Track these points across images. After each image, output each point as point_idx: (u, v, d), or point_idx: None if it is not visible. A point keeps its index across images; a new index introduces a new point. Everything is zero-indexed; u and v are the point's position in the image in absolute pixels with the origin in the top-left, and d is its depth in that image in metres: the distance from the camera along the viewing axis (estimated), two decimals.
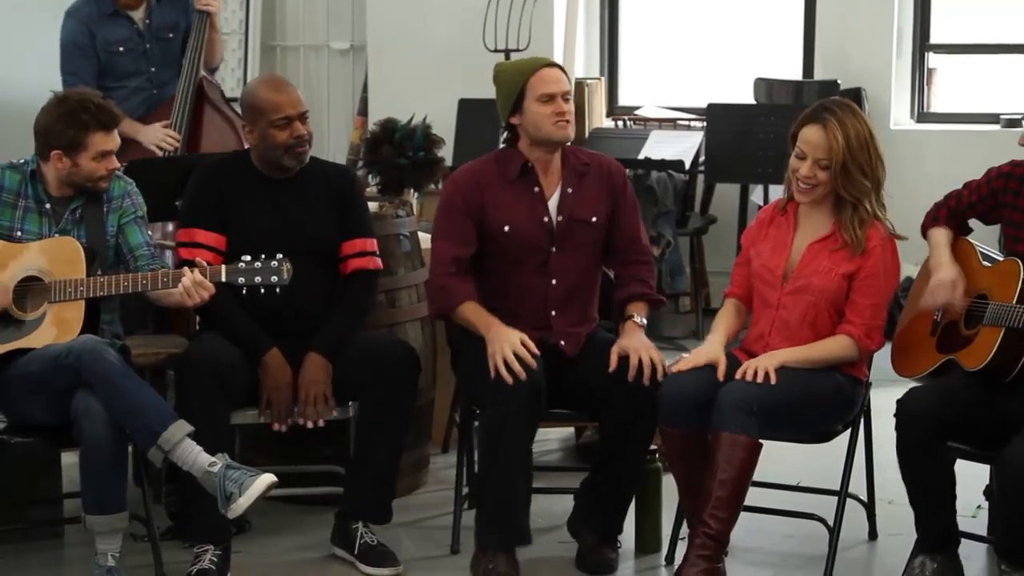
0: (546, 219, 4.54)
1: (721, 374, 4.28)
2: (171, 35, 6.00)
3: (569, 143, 4.58)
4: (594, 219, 4.57)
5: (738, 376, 4.22)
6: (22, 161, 4.53)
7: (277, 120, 4.59)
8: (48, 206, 4.48)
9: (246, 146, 4.81)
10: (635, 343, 4.42)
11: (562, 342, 4.54)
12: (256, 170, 4.70)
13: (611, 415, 4.43)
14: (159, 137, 5.77)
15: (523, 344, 4.32)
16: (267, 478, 4.15)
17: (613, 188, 4.60)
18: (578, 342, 4.57)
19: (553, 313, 4.56)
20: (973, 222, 4.44)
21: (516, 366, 4.27)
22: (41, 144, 4.47)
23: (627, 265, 4.63)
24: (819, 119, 4.27)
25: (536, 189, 4.56)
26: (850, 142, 4.24)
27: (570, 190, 4.56)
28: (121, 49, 5.91)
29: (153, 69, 5.96)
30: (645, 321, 4.53)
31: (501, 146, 4.67)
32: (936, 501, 4.16)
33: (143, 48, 5.94)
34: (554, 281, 4.56)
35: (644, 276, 4.62)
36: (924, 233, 4.43)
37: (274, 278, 4.30)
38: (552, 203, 4.56)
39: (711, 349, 4.37)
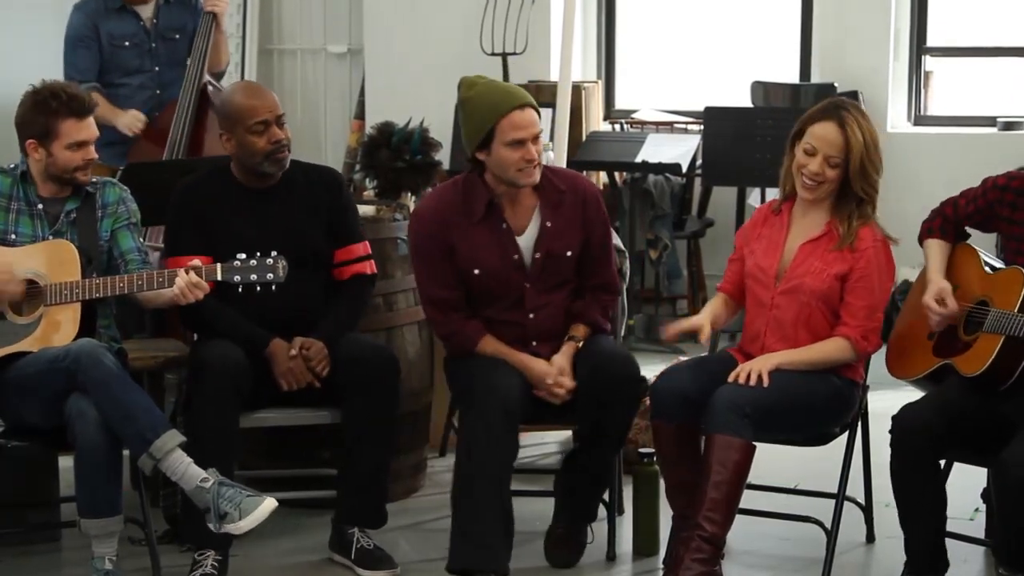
0: (516, 256, 4.44)
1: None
2: (177, 36, 6.09)
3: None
4: (569, 253, 4.47)
5: (731, 379, 4.22)
6: (12, 166, 4.52)
7: (253, 125, 4.53)
8: (40, 207, 4.47)
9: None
10: (564, 363, 4.41)
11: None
12: (237, 182, 4.64)
13: (584, 416, 4.43)
14: (131, 122, 5.89)
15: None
16: (270, 503, 4.15)
17: (587, 216, 4.48)
18: None
19: (534, 343, 4.48)
20: (970, 228, 4.42)
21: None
22: (19, 137, 4.47)
23: (591, 291, 4.53)
24: (836, 117, 4.28)
25: (504, 226, 4.45)
26: (867, 140, 4.27)
27: (549, 224, 4.44)
28: (127, 44, 6.01)
29: (157, 68, 6.06)
30: (581, 343, 4.47)
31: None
32: (929, 522, 4.13)
33: (148, 46, 6.04)
34: (531, 315, 4.47)
35: (603, 303, 4.54)
36: (921, 242, 4.41)
37: (269, 275, 4.28)
38: (527, 238, 4.45)
39: (696, 319, 4.47)
